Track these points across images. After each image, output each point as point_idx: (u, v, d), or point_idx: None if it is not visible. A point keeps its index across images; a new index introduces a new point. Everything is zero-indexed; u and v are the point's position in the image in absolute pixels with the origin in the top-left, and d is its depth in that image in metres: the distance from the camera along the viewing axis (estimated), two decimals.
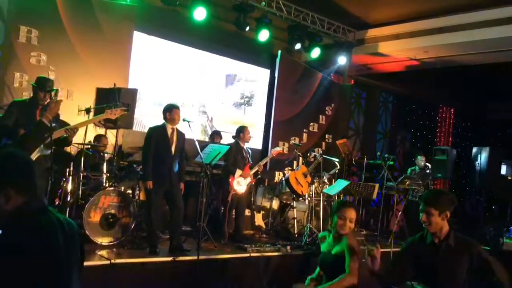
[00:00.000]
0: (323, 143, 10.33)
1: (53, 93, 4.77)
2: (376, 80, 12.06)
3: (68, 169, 5.74)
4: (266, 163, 7.76)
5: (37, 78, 4.94)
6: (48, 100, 4.67)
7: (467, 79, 11.28)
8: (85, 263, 4.70)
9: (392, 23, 9.51)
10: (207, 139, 8.76)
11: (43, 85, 4.76)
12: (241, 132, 7.09)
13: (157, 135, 5.72)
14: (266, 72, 10.28)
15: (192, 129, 5.67)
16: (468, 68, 10.00)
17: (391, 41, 9.69)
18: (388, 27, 9.64)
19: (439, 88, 12.36)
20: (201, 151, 5.91)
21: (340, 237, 3.81)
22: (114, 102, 5.88)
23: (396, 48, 9.67)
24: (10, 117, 4.56)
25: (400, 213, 8.90)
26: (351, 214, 3.79)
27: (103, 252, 5.22)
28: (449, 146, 13.18)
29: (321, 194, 7.82)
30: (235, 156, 6.90)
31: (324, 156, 8.10)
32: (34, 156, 4.52)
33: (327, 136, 10.43)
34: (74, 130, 4.85)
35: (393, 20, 9.41)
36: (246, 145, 7.16)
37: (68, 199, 5.62)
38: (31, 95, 6.35)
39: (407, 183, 8.53)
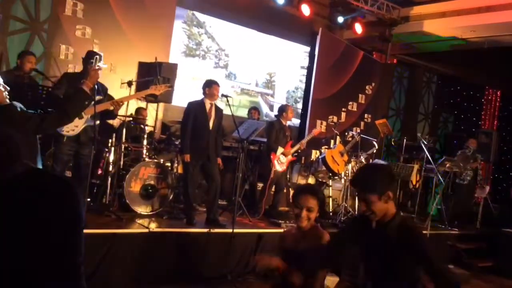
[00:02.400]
0: (362, 123, 10.19)
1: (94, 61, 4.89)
2: (420, 59, 11.72)
3: (110, 140, 5.92)
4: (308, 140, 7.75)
5: (87, 52, 5.09)
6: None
7: None
8: (126, 231, 4.94)
9: (438, 0, 9.18)
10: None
11: (92, 58, 4.90)
12: (284, 110, 7.09)
13: (195, 109, 5.81)
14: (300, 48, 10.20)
15: (231, 104, 5.72)
16: None
17: (436, 19, 9.35)
18: (434, 5, 9.30)
19: (485, 70, 11.90)
20: (238, 126, 5.96)
21: (304, 232, 3.04)
22: (155, 76, 6.00)
23: (442, 27, 9.33)
24: (61, 88, 4.74)
25: (438, 195, 8.75)
26: (308, 201, 2.97)
27: (142, 221, 5.41)
28: (494, 129, 12.75)
29: None
30: (277, 134, 6.92)
31: (362, 135, 8.02)
32: (81, 127, 4.71)
33: (366, 115, 10.28)
34: (120, 103, 5.00)
35: None
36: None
37: (110, 169, 5.81)
38: (75, 67, 6.61)
39: (447, 165, 8.36)
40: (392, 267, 2.47)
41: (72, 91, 4.50)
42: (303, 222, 2.97)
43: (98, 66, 4.26)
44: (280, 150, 6.88)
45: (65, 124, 3.91)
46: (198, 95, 5.97)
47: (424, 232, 7.25)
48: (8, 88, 3.19)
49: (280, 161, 6.88)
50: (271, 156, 6.81)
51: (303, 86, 10.38)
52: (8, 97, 3.19)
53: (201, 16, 8.78)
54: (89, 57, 4.97)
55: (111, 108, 4.91)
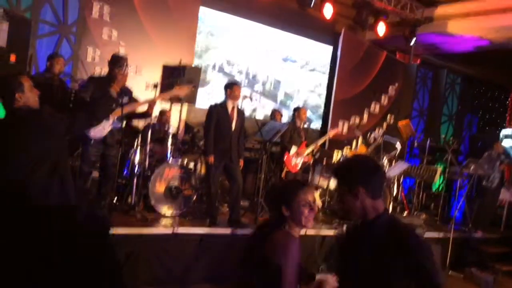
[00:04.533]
0: (385, 124, 10.12)
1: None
2: (444, 60, 11.60)
3: (136, 142, 6.03)
4: (323, 142, 7.77)
5: (112, 55, 5.21)
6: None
7: None
8: (151, 231, 5.04)
9: (463, 0, 9.08)
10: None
11: (117, 62, 5.01)
12: (297, 111, 7.17)
13: (218, 111, 5.86)
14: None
15: (253, 105, 5.79)
16: None
17: (460, 19, 9.27)
18: (458, 5, 9.21)
19: (510, 70, 11.71)
20: (260, 128, 6.01)
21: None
22: (179, 78, 6.08)
23: (466, 27, 9.24)
24: (87, 91, 4.87)
25: (462, 198, 8.65)
26: (313, 196, 2.52)
27: (167, 221, 5.50)
28: None
29: None
30: (291, 134, 6.98)
31: (385, 137, 7.98)
32: (107, 129, 4.83)
33: (389, 116, 10.21)
34: (154, 102, 5.14)
35: None
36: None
37: (136, 170, 5.92)
38: (102, 69, 6.75)
39: (472, 167, 8.25)
40: (377, 273, 2.13)
41: (99, 95, 4.63)
42: (312, 221, 2.50)
43: (126, 71, 4.37)
44: (294, 150, 6.93)
45: (93, 126, 4.02)
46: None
47: (447, 235, 7.19)
48: (39, 92, 3.28)
49: (293, 161, 6.93)
50: (284, 157, 6.87)
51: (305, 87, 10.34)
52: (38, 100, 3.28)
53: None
54: (114, 61, 5.08)
55: (145, 108, 5.07)
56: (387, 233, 2.15)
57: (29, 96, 3.11)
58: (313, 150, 7.27)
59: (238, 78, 8.77)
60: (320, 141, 7.50)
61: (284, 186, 2.63)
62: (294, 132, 7.03)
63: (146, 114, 5.37)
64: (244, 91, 8.50)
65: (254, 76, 9.35)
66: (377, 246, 2.14)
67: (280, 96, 9.75)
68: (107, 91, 4.33)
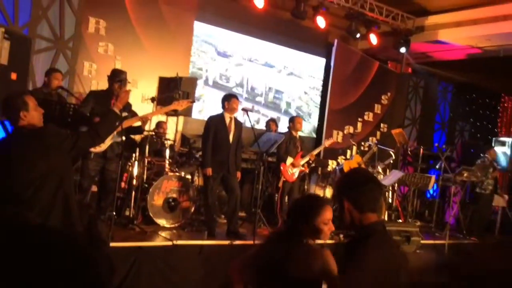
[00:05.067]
0: (378, 133, 10.25)
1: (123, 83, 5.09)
2: (435, 68, 11.74)
3: (134, 155, 6.07)
4: (319, 152, 7.85)
5: (112, 70, 5.26)
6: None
7: None
8: (150, 244, 5.06)
9: (454, 10, 9.23)
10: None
11: (117, 76, 5.07)
12: (292, 121, 7.25)
13: (215, 124, 5.93)
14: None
15: (250, 117, 5.86)
16: None
17: (452, 28, 9.41)
18: (449, 14, 9.36)
19: (501, 77, 11.88)
20: (257, 139, 6.08)
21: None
22: (176, 90, 6.14)
23: (457, 36, 9.39)
24: (87, 106, 4.93)
25: (456, 205, 8.76)
26: (331, 213, 2.53)
27: (166, 234, 5.54)
28: (511, 137, 12.66)
29: None
30: (287, 145, 7.05)
31: (379, 145, 8.08)
32: (108, 143, 4.88)
33: (382, 125, 10.34)
34: (147, 119, 5.18)
35: (454, 7, 9.14)
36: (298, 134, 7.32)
37: (134, 182, 5.96)
38: (98, 83, 6.80)
39: (465, 174, 8.37)
40: None
41: (100, 110, 4.68)
42: (328, 237, 2.57)
43: (127, 89, 4.43)
44: (290, 160, 6.99)
45: (98, 144, 4.08)
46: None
47: (442, 241, 7.26)
48: (43, 111, 3.32)
49: (290, 171, 6.99)
50: (281, 167, 6.94)
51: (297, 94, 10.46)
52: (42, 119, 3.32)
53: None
54: (114, 76, 5.15)
55: (139, 123, 5.10)
56: (354, 247, 2.20)
57: (34, 115, 3.14)
58: (309, 160, 7.35)
59: (236, 91, 8.81)
60: (316, 151, 7.58)
61: (307, 204, 2.62)
62: (290, 143, 7.10)
63: (138, 130, 5.41)
64: (246, 104, 8.60)
65: (252, 89, 9.42)
66: (344, 257, 2.23)
67: (283, 106, 9.84)
68: (110, 109, 4.39)
